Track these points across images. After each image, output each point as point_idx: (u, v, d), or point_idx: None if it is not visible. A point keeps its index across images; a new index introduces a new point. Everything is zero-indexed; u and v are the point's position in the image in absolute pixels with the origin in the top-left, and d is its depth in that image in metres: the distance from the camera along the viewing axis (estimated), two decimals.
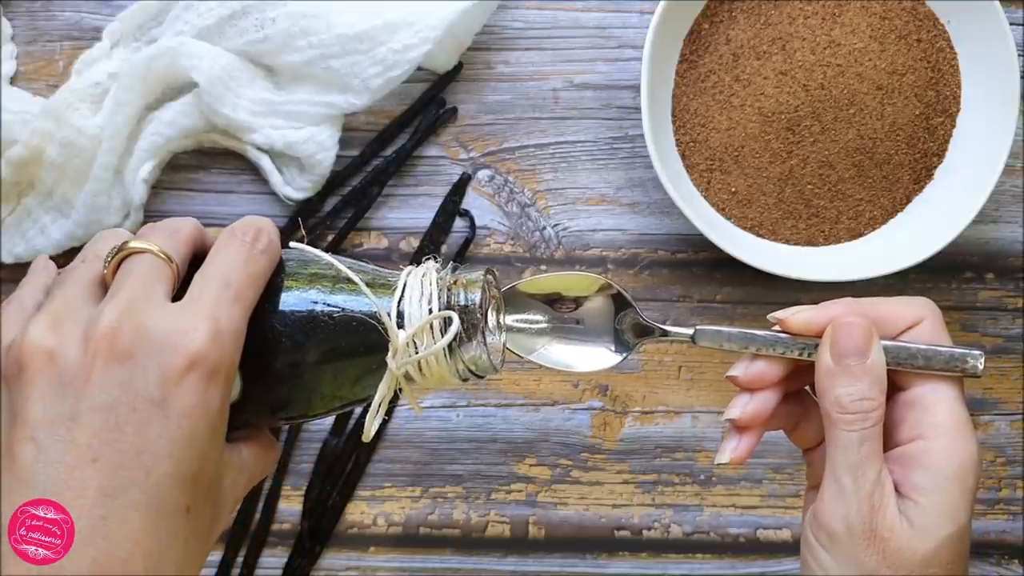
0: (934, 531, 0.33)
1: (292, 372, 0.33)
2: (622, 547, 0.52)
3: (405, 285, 0.34)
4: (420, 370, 0.33)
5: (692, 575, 0.52)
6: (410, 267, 0.35)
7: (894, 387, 0.35)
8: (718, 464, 0.37)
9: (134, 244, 0.32)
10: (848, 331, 0.34)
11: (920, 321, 0.35)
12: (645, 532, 0.52)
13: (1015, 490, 0.53)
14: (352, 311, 0.33)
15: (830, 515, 0.34)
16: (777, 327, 0.36)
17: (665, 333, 0.37)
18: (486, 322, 0.34)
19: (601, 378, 0.52)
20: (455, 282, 0.34)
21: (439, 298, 0.33)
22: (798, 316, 0.35)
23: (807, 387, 0.38)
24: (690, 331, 0.36)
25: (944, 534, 0.33)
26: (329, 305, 0.33)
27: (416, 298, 0.33)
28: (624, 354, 0.37)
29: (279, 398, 0.34)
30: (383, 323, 0.32)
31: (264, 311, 0.32)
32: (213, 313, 0.30)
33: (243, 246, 0.32)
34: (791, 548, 0.53)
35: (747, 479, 0.52)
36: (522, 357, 0.37)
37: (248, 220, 0.34)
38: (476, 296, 0.33)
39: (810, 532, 0.35)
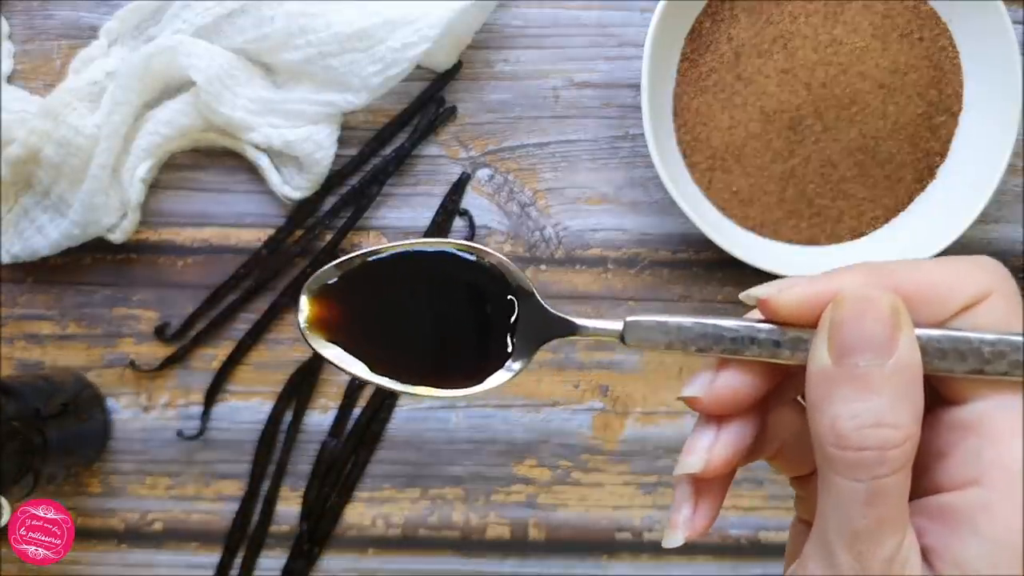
0: None
1: None
2: (623, 549, 0.52)
3: None
4: None
5: None
6: None
7: (938, 399, 0.23)
8: (668, 547, 0.25)
9: None
10: (858, 311, 0.21)
11: (986, 296, 0.22)
12: (646, 534, 0.52)
13: None
14: None
15: None
16: (755, 311, 0.24)
17: (575, 330, 0.26)
18: None
19: (601, 378, 0.52)
20: None
21: None
22: (789, 293, 0.23)
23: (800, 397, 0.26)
24: (618, 325, 0.25)
25: None
26: None
27: None
28: (521, 363, 0.26)
29: None
30: None
31: None
32: None
33: None
34: None
35: (748, 480, 0.52)
36: (359, 378, 0.26)
37: None
38: None
39: None
